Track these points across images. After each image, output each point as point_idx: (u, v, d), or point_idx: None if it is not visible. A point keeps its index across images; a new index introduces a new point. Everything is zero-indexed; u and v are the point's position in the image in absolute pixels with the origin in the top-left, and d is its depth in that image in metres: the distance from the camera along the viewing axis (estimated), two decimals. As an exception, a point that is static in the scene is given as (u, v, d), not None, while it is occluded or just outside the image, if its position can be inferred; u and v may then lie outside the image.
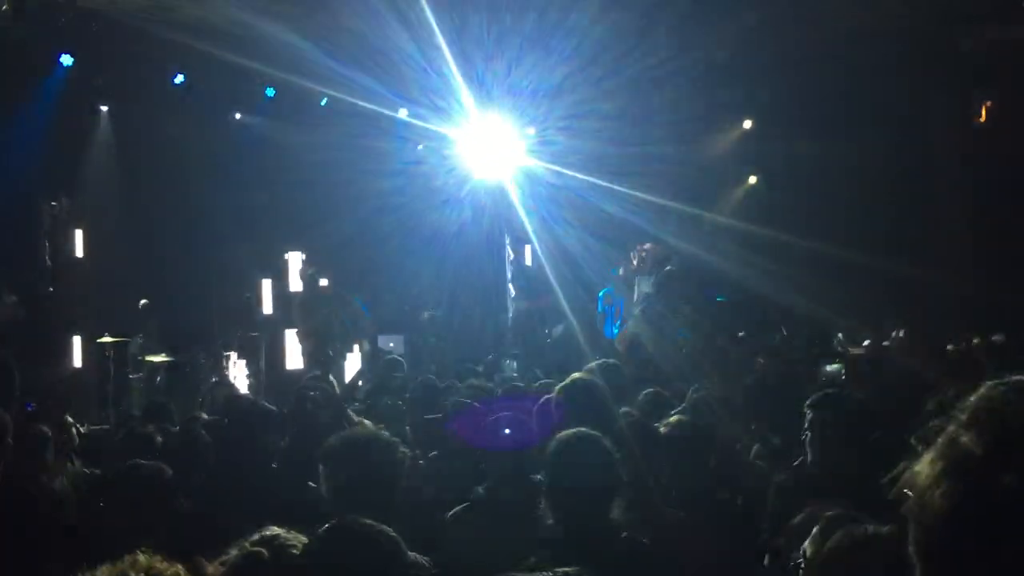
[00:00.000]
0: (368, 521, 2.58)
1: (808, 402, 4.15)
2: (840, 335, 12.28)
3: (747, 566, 3.22)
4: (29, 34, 11.23)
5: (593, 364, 5.17)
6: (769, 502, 3.73)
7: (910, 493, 1.08)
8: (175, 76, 12.57)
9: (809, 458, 3.99)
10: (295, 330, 11.69)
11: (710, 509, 3.71)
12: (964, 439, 1.05)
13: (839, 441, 3.88)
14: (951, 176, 14.79)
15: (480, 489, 4.10)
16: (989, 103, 14.85)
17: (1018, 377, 1.08)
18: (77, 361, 11.31)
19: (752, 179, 14.54)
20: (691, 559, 3.28)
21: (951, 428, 1.08)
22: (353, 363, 12.96)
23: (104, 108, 12.74)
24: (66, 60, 11.68)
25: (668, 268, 11.71)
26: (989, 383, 1.09)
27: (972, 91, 14.73)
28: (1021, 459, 1.00)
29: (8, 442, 4.02)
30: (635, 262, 12.72)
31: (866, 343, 11.12)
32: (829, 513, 2.39)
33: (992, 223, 14.18)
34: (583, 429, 3.61)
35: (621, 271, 13.16)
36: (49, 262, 10.76)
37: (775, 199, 14.75)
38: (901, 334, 9.79)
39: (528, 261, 13.23)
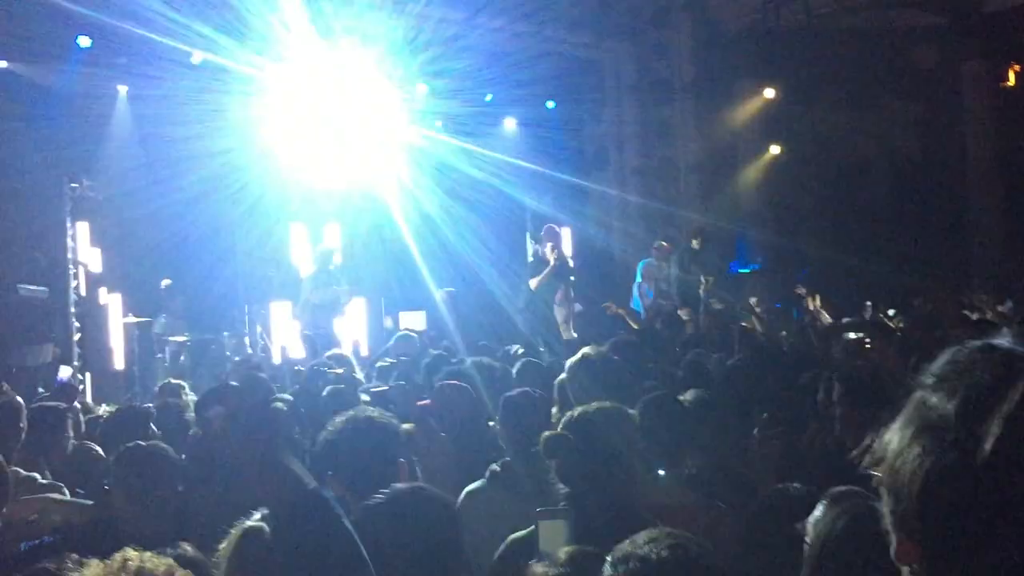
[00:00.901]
0: (430, 488, 2.61)
1: (837, 375, 4.05)
2: (869, 303, 12.15)
3: (767, 547, 3.14)
4: (47, 17, 11.27)
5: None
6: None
7: (881, 462, 1.06)
8: (190, 56, 12.56)
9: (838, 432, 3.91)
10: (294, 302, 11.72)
11: (729, 488, 3.64)
12: (932, 401, 1.03)
13: (867, 416, 3.78)
14: (981, 143, 14.52)
15: (495, 465, 4.05)
16: (1018, 66, 14.55)
17: (984, 340, 1.05)
18: (109, 342, 11.39)
19: (774, 149, 14.33)
20: (710, 537, 3.21)
21: (918, 393, 1.06)
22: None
23: (122, 88, 12.74)
24: (84, 42, 11.69)
25: (689, 245, 11.67)
26: (954, 347, 1.07)
27: (999, 55, 14.44)
28: (989, 417, 0.97)
29: (22, 425, 4.04)
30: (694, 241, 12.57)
31: (891, 312, 10.98)
32: (835, 490, 2.31)
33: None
34: (601, 403, 3.55)
35: (665, 243, 13.06)
36: (72, 243, 10.81)
37: (799, 169, 14.54)
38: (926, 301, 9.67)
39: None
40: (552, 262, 10.65)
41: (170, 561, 1.88)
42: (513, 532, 3.34)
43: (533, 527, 3.02)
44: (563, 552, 2.11)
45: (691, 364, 5.47)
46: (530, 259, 13.49)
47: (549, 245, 10.91)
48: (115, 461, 3.33)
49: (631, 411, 3.50)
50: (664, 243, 13.04)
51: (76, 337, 10.65)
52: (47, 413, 4.59)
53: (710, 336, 7.45)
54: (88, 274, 10.92)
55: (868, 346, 6.15)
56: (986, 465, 0.96)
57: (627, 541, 1.88)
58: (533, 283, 10.50)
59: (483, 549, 3.38)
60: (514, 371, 5.65)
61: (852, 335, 6.48)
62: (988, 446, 0.96)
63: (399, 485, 2.63)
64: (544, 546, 2.89)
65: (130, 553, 1.88)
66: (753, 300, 10.50)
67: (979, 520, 0.96)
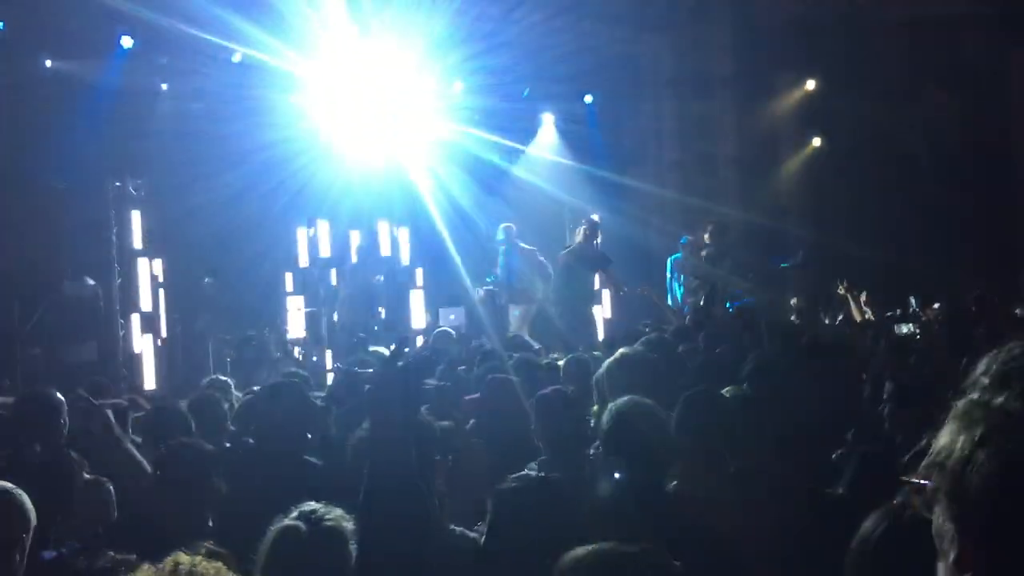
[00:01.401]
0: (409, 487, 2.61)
1: (889, 373, 4.00)
2: (913, 298, 11.97)
3: (811, 548, 3.09)
4: (90, 15, 11.44)
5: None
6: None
7: (938, 467, 1.01)
8: (231, 54, 12.69)
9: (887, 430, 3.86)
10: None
11: (770, 485, 3.59)
12: (997, 401, 0.98)
13: (916, 416, 3.71)
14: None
15: (533, 464, 4.04)
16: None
17: None
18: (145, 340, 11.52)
19: (816, 142, 14.16)
20: (748, 537, 3.18)
21: (978, 394, 1.00)
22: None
23: (164, 85, 12.89)
24: (126, 42, 11.86)
25: (711, 244, 11.61)
26: (1010, 345, 1.02)
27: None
28: None
29: (63, 420, 4.11)
30: (705, 235, 12.55)
31: (936, 305, 10.80)
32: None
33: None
34: (636, 398, 3.55)
35: (691, 237, 12.99)
36: (115, 241, 10.96)
37: (841, 162, 14.35)
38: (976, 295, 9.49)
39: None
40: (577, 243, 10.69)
41: (220, 565, 1.90)
42: (551, 532, 3.33)
43: None
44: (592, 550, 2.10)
45: (719, 360, 5.41)
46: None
47: (581, 229, 11.00)
48: (158, 458, 3.37)
49: (648, 404, 3.49)
50: (690, 237, 12.90)
51: (122, 334, 10.79)
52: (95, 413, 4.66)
53: (734, 331, 7.39)
54: (136, 271, 11.06)
55: (918, 338, 6.06)
56: None
57: (577, 551, 1.85)
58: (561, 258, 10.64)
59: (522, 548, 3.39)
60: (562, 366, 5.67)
61: (904, 328, 6.38)
62: None
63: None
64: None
65: (182, 557, 1.89)
66: (794, 301, 10.37)
67: None
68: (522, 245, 12.80)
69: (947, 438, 1.01)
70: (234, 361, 12.23)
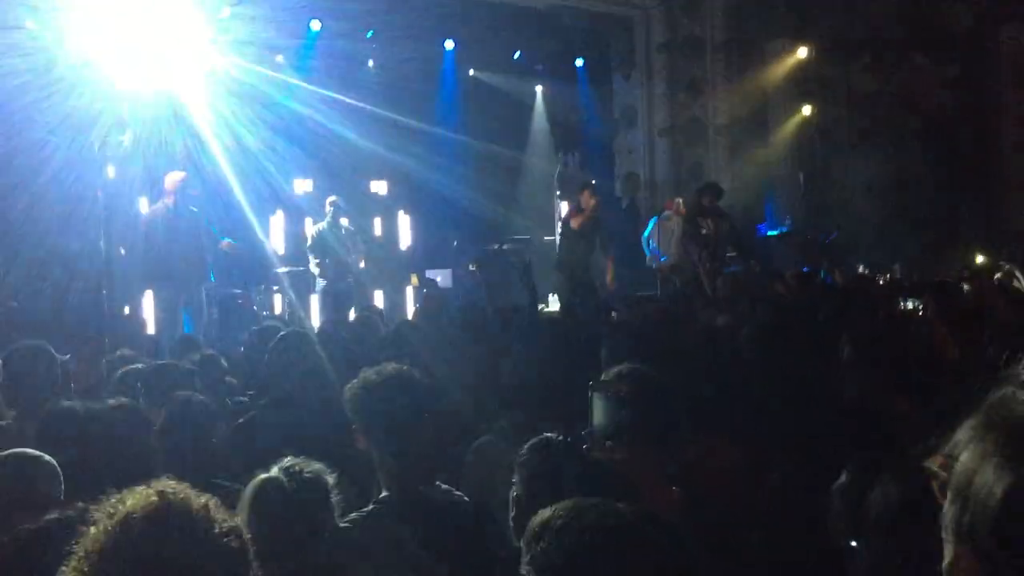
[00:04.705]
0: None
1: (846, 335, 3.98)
2: (898, 265, 12.03)
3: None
4: None
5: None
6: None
7: (953, 464, 0.92)
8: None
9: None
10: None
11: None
12: (1020, 408, 0.88)
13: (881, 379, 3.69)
14: (1017, 106, 14.25)
15: (503, 422, 4.03)
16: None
17: None
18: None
19: (806, 110, 14.11)
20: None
21: (1008, 389, 0.91)
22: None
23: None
24: None
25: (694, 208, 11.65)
26: None
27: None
28: None
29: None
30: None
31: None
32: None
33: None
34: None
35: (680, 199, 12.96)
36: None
37: (831, 131, 14.35)
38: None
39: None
40: (589, 213, 11.00)
41: (210, 496, 1.89)
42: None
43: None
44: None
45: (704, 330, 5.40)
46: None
47: (586, 192, 11.28)
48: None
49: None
50: (680, 199, 12.78)
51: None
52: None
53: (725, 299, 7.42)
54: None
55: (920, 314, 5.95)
56: None
57: (547, 510, 1.62)
58: (575, 223, 10.98)
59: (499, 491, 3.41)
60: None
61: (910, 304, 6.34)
62: None
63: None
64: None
65: (168, 482, 1.88)
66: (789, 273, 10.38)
67: None
68: None
69: (967, 432, 0.92)
70: (220, 320, 12.17)
